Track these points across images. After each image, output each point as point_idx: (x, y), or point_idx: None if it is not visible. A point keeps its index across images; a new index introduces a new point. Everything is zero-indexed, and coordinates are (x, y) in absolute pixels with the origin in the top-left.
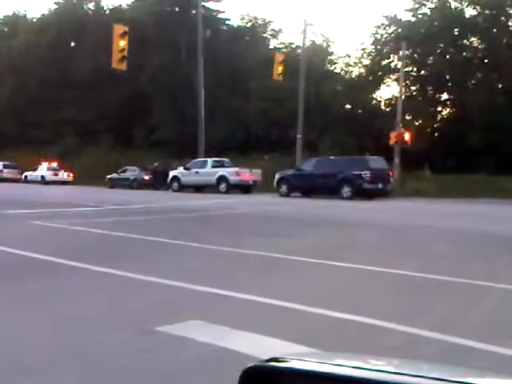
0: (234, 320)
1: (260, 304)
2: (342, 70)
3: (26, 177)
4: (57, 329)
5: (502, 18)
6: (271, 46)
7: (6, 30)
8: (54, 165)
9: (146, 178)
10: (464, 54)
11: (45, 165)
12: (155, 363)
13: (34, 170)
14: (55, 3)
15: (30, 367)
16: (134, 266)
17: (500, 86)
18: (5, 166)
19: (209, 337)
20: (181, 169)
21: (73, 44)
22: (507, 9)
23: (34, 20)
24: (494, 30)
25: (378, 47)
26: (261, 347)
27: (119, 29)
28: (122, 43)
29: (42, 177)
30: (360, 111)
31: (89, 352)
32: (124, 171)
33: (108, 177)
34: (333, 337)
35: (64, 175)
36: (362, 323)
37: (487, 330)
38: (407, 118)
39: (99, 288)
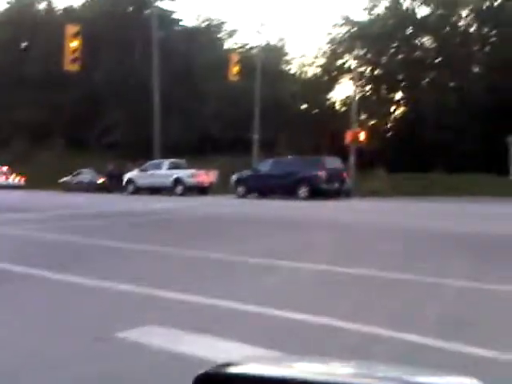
0: (190, 324)
1: (216, 307)
2: (297, 70)
3: None
4: (7, 337)
5: (454, 18)
6: (226, 47)
7: None
8: (4, 169)
9: (101, 180)
10: (416, 53)
11: None
12: (110, 370)
13: None
14: (7, 3)
15: None
16: (86, 272)
17: (452, 84)
18: None
19: (165, 342)
20: (136, 171)
21: (24, 44)
22: (458, 8)
23: None
24: (446, 30)
25: (333, 47)
26: (218, 351)
27: (71, 29)
28: (75, 44)
29: None
30: (316, 111)
31: (42, 360)
32: (77, 174)
33: (61, 180)
34: (290, 338)
35: (15, 180)
36: (321, 324)
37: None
38: (362, 117)
39: (50, 294)
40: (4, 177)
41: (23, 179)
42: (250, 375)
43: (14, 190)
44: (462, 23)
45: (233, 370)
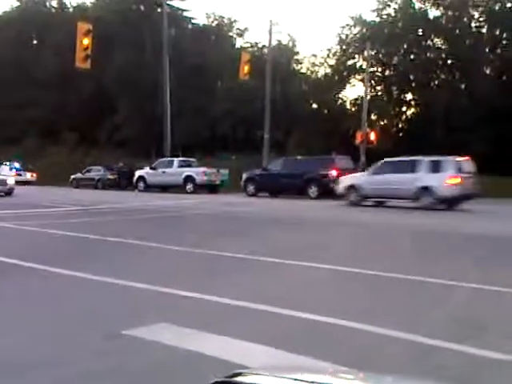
0: (200, 322)
1: (227, 306)
2: (308, 69)
3: None
4: (19, 333)
5: (465, 19)
6: (237, 46)
7: None
8: (17, 165)
9: (111, 177)
10: (427, 54)
11: (7, 166)
12: (121, 367)
13: None
14: (18, 0)
15: None
16: (99, 268)
17: (463, 86)
18: None
19: (175, 340)
20: (147, 168)
21: (36, 42)
22: (470, 10)
23: None
24: (457, 31)
25: (344, 47)
26: (228, 350)
27: (83, 27)
28: (86, 41)
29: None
30: (326, 111)
31: (54, 356)
32: (88, 171)
33: (72, 177)
34: (301, 338)
35: (27, 175)
36: (330, 324)
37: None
38: (373, 117)
39: (65, 291)
40: (15, 172)
41: (35, 175)
42: None
43: (25, 186)
44: (473, 24)
45: (241, 379)
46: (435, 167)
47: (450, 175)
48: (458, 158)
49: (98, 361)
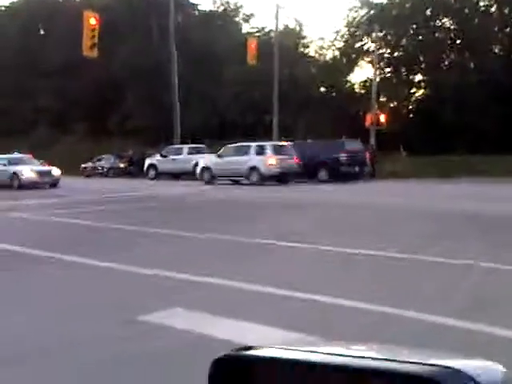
0: (214, 307)
1: (240, 290)
2: (315, 53)
3: None
4: (38, 319)
5: None
6: (244, 31)
7: None
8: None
9: (122, 166)
10: (436, 34)
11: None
12: (135, 352)
13: None
14: None
15: (9, 357)
16: (114, 256)
17: (472, 65)
18: None
19: (189, 324)
20: (157, 156)
21: (42, 32)
22: None
23: (3, 8)
24: (466, 11)
25: (351, 30)
26: (241, 333)
27: (89, 16)
28: (93, 30)
29: None
30: (335, 94)
31: (67, 342)
32: (99, 160)
33: (83, 166)
34: (312, 319)
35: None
36: (343, 305)
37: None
38: (382, 99)
39: (81, 278)
40: None
41: (46, 165)
42: (270, 358)
43: None
44: (481, 3)
45: (253, 352)
46: (260, 151)
47: (269, 157)
48: (279, 143)
49: (109, 345)
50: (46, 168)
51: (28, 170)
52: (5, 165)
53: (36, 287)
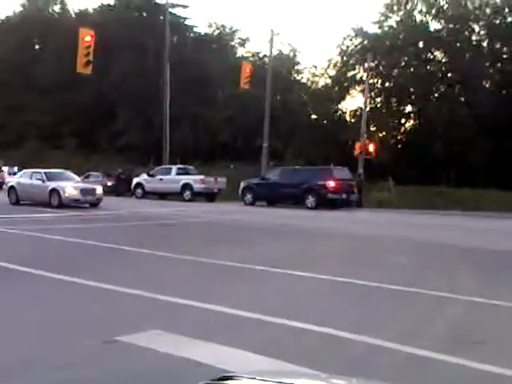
0: (195, 330)
1: (221, 314)
2: (308, 80)
3: None
4: (14, 337)
5: (466, 33)
6: (238, 55)
7: None
8: (15, 169)
9: (109, 183)
10: (428, 67)
11: (5, 169)
12: (114, 374)
13: None
14: (20, 5)
15: None
16: (94, 275)
17: (462, 99)
18: None
19: (169, 347)
20: (144, 175)
21: (37, 47)
22: (470, 23)
23: None
24: (458, 44)
25: (344, 58)
26: (221, 357)
27: (85, 33)
28: (88, 47)
29: (1, 182)
30: (325, 121)
31: (47, 361)
32: (87, 177)
33: None
34: (294, 347)
35: None
36: (324, 334)
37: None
38: (372, 129)
39: (61, 296)
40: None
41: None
42: None
43: None
44: (474, 38)
45: (233, 383)
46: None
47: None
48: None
49: (89, 366)
50: (90, 186)
51: (71, 188)
52: (43, 181)
53: (4, 303)
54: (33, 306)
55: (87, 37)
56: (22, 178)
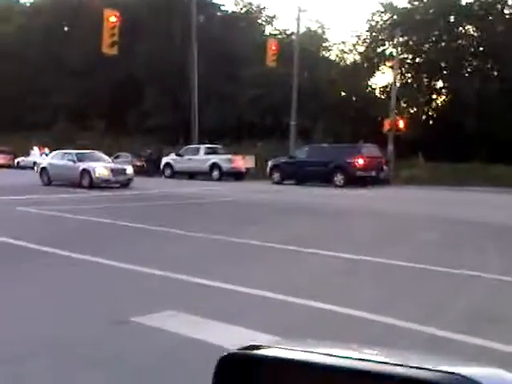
0: (210, 310)
1: (240, 294)
2: (336, 56)
3: (18, 163)
4: (31, 317)
5: (498, 6)
6: (266, 33)
7: None
8: (46, 150)
9: (139, 164)
10: (459, 41)
11: (36, 150)
12: (126, 354)
13: (27, 155)
14: None
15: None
16: (115, 254)
17: (495, 73)
18: None
19: (183, 328)
20: (173, 155)
21: (66, 29)
22: None
23: (28, 4)
24: (490, 18)
25: (374, 34)
26: (235, 339)
27: (110, 13)
28: (113, 28)
29: (35, 162)
30: (355, 98)
31: (62, 341)
32: (117, 157)
33: None
34: (312, 328)
35: None
36: (345, 314)
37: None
38: (402, 105)
39: (78, 275)
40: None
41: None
42: (277, 358)
43: None
44: (506, 11)
45: (258, 352)
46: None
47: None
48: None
49: (99, 346)
50: (120, 166)
51: (101, 168)
52: (74, 161)
53: (19, 283)
54: (46, 285)
55: (112, 17)
56: (53, 159)
